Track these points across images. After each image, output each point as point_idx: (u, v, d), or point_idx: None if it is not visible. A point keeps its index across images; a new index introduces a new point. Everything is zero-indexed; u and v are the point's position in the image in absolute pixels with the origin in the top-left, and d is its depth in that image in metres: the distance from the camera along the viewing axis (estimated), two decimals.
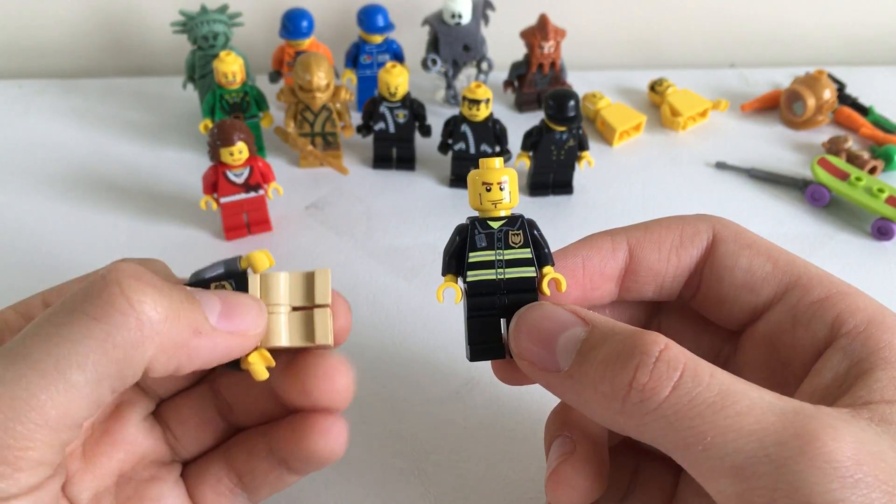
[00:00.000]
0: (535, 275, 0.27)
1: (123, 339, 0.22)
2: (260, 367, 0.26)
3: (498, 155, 0.52)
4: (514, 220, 0.27)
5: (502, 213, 0.27)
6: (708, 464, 0.20)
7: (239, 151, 0.45)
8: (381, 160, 0.55)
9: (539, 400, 0.37)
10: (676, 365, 0.21)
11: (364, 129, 0.54)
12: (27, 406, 0.20)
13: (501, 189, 0.27)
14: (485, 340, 0.27)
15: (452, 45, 0.58)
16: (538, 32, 0.57)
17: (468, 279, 0.27)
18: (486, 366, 0.39)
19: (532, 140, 0.51)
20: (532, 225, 0.27)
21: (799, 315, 0.25)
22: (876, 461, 0.20)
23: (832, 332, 0.24)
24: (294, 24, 0.56)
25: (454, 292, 0.28)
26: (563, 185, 0.53)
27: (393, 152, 0.55)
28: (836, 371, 0.23)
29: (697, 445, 0.20)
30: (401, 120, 0.53)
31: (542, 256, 0.27)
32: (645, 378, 0.21)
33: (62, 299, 0.22)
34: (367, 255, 0.47)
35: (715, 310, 0.28)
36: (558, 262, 0.27)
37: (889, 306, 0.45)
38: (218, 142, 0.45)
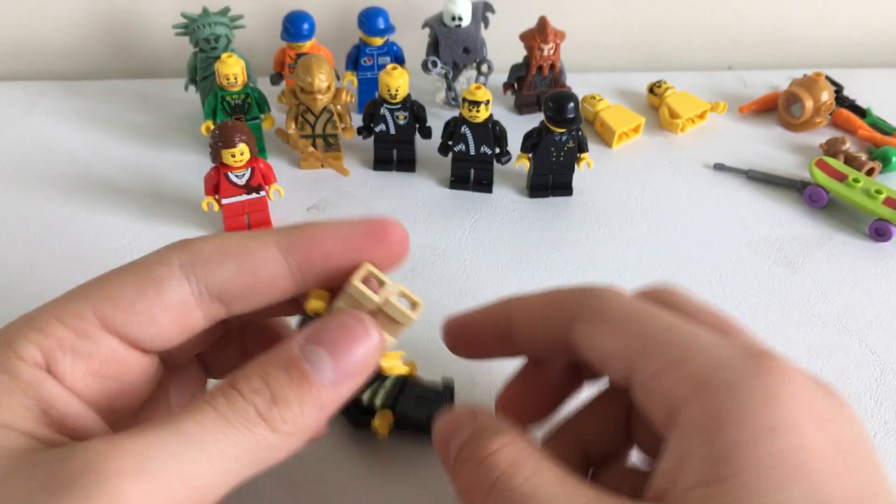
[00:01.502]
0: None
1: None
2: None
3: (498, 156, 0.53)
4: None
5: None
6: None
7: (240, 153, 0.45)
8: (382, 162, 0.55)
9: None
10: (496, 469, 0.24)
11: (365, 130, 0.54)
12: None
13: None
14: None
15: (452, 48, 0.58)
16: (538, 35, 0.58)
17: None
18: (486, 367, 0.40)
19: (532, 142, 0.51)
20: None
21: (646, 391, 0.24)
22: None
23: (671, 406, 0.23)
24: (295, 26, 0.57)
25: None
26: (562, 187, 0.53)
27: (393, 154, 0.55)
28: (672, 453, 0.23)
29: None
30: (401, 122, 0.53)
31: None
32: (475, 480, 0.24)
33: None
34: None
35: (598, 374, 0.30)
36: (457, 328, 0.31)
37: (887, 308, 0.45)
38: (219, 143, 0.45)
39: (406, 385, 0.36)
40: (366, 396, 0.35)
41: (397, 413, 0.35)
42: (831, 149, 0.56)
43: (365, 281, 0.26)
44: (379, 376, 0.35)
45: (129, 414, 0.26)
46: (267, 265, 0.25)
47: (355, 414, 0.36)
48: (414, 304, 0.27)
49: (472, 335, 0.31)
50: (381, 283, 0.26)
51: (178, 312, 0.24)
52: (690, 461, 0.22)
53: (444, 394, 0.36)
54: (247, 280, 0.25)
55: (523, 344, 0.29)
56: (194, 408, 0.22)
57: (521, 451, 0.24)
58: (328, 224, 0.26)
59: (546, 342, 0.28)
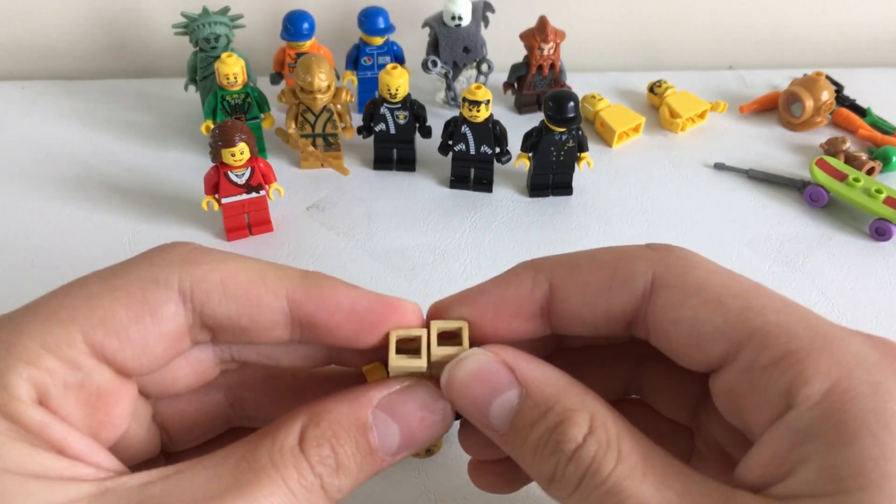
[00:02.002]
0: None
1: None
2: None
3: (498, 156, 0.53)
4: None
5: None
6: None
7: (240, 152, 0.45)
8: (382, 161, 0.55)
9: None
10: (584, 462, 0.21)
11: (365, 130, 0.54)
12: None
13: None
14: None
15: (452, 47, 0.58)
16: (538, 34, 0.58)
17: None
18: None
19: (532, 141, 0.51)
20: None
21: (753, 379, 0.21)
22: None
23: (787, 402, 0.21)
24: (295, 25, 0.57)
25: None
26: (562, 186, 0.53)
27: (393, 153, 0.55)
28: (777, 450, 0.20)
29: None
30: (401, 121, 0.53)
31: None
32: (560, 473, 0.22)
33: None
34: (367, 256, 0.48)
35: (673, 356, 0.24)
36: (473, 298, 0.25)
37: (888, 307, 0.45)
38: (219, 143, 0.45)
39: None
40: None
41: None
42: (832, 148, 0.56)
43: (400, 347, 0.24)
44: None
45: (112, 441, 0.24)
46: (271, 315, 0.23)
47: None
48: (455, 335, 0.25)
49: (490, 314, 0.25)
50: (414, 339, 0.24)
51: (172, 341, 0.23)
52: (805, 467, 0.19)
53: None
54: (244, 323, 0.23)
55: (567, 321, 0.25)
56: (264, 476, 0.20)
57: (605, 429, 0.22)
58: (344, 290, 0.24)
59: (603, 318, 0.24)
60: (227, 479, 0.20)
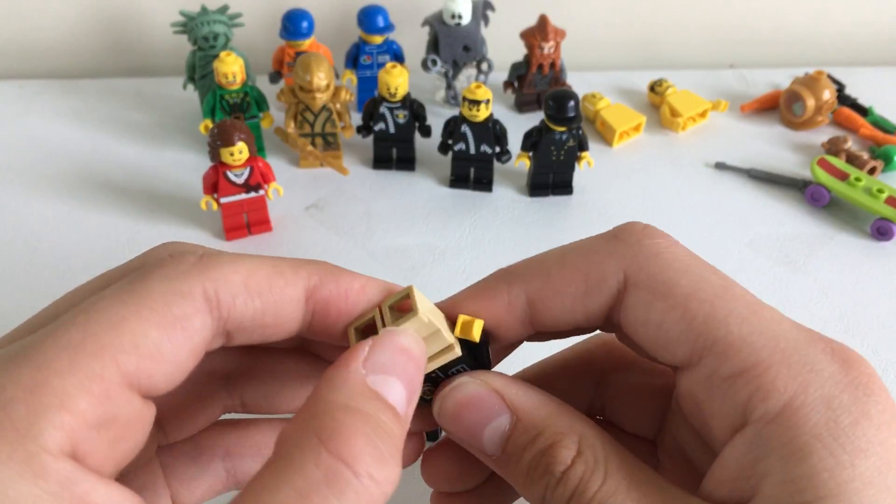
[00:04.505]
0: None
1: None
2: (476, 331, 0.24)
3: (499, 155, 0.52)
4: None
5: None
6: None
7: (239, 152, 0.45)
8: (381, 160, 0.55)
9: None
10: (572, 482, 0.22)
11: (364, 129, 0.54)
12: None
13: None
14: None
15: (452, 46, 0.58)
16: (538, 33, 0.57)
17: None
18: None
19: (532, 140, 0.51)
20: None
21: (713, 388, 0.22)
22: None
23: (744, 416, 0.21)
24: (294, 24, 0.56)
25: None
26: (562, 186, 0.53)
27: (393, 153, 0.55)
28: (739, 464, 0.21)
29: None
30: (401, 120, 0.53)
31: None
32: (550, 497, 0.22)
33: None
34: (367, 255, 0.47)
35: (641, 353, 0.25)
36: (452, 311, 0.25)
37: (889, 307, 0.45)
38: (218, 142, 0.45)
39: None
40: None
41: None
42: (833, 147, 0.56)
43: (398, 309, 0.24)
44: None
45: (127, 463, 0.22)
46: (292, 307, 0.23)
47: None
48: (408, 308, 0.24)
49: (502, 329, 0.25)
50: (371, 324, 0.24)
51: (199, 352, 0.22)
52: (767, 482, 0.20)
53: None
54: (267, 321, 0.23)
55: (549, 325, 0.25)
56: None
57: (592, 451, 0.22)
58: (354, 276, 0.24)
59: (583, 318, 0.25)
60: None
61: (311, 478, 0.18)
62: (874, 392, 0.21)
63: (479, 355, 0.25)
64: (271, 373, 0.28)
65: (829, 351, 0.22)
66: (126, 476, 0.24)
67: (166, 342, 0.20)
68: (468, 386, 0.24)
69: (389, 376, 0.21)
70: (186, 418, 0.27)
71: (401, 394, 0.21)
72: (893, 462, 0.20)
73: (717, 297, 0.22)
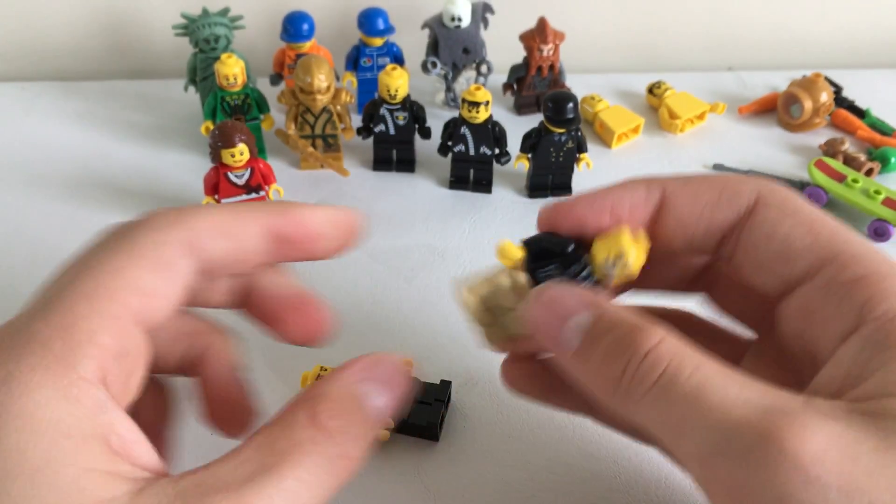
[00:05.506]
0: None
1: None
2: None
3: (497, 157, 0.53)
4: None
5: None
6: (680, 451, 0.22)
7: (240, 153, 0.45)
8: (382, 162, 0.55)
9: None
10: (661, 362, 0.22)
11: (364, 131, 0.54)
12: None
13: None
14: None
15: (452, 48, 0.58)
16: (537, 35, 0.58)
17: None
18: (486, 367, 0.40)
19: (531, 142, 0.51)
20: None
21: (830, 294, 0.24)
22: (844, 460, 0.20)
23: (860, 317, 0.23)
24: (295, 26, 0.57)
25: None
26: (561, 187, 0.53)
27: (393, 154, 0.55)
28: (854, 360, 0.23)
29: (672, 433, 0.22)
30: (401, 122, 0.53)
31: None
32: (632, 373, 0.23)
33: None
34: (367, 256, 0.48)
35: (751, 276, 0.27)
36: (587, 205, 0.27)
37: None
38: (219, 143, 0.45)
39: None
40: None
41: (396, 419, 0.35)
42: (830, 149, 0.56)
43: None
44: None
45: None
46: (253, 244, 0.26)
47: None
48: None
49: (607, 216, 0.27)
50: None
51: (186, 290, 0.25)
52: (879, 373, 0.22)
53: (442, 397, 0.36)
54: (234, 257, 0.26)
55: (671, 232, 0.27)
56: (288, 455, 0.22)
57: (680, 343, 0.23)
58: (314, 207, 0.27)
59: (704, 232, 0.27)
60: (254, 466, 0.22)
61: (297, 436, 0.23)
62: None
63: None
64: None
65: None
66: None
67: (160, 283, 0.24)
68: (559, 286, 0.26)
69: (380, 386, 0.25)
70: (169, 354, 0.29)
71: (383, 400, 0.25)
72: None
73: (838, 225, 0.25)
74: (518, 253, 0.28)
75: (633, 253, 0.26)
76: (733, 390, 0.21)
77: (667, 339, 0.23)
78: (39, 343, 0.21)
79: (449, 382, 0.37)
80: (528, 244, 0.28)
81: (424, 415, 0.36)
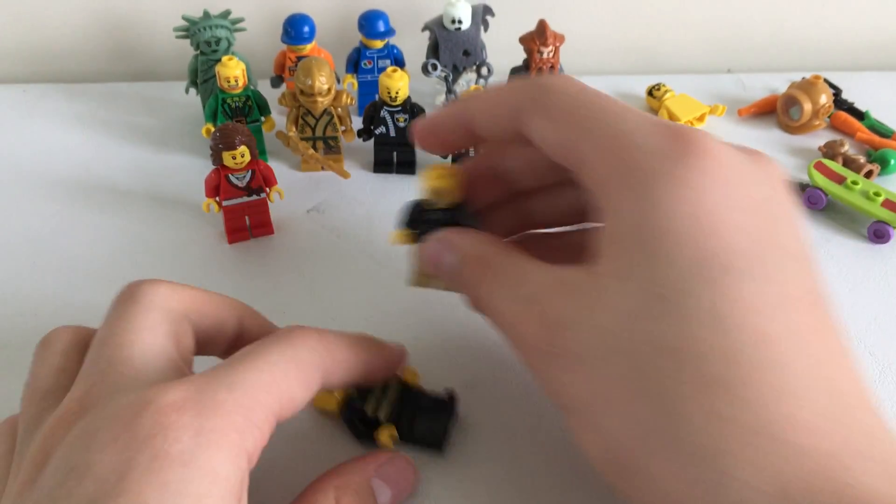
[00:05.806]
0: None
1: None
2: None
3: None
4: None
5: None
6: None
7: (241, 155, 0.45)
8: (382, 164, 0.55)
9: (539, 401, 0.38)
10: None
11: (365, 133, 0.54)
12: None
13: None
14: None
15: (452, 51, 0.59)
16: (537, 38, 0.58)
17: None
18: (487, 367, 0.40)
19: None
20: None
21: (584, 181, 0.29)
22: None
23: (602, 202, 0.28)
24: (296, 29, 0.57)
25: None
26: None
27: (394, 156, 0.55)
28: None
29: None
30: (401, 124, 0.53)
31: None
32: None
33: None
34: (367, 258, 0.48)
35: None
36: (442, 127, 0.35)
37: (886, 309, 0.45)
38: (220, 145, 0.45)
39: (408, 396, 0.36)
40: (369, 409, 0.35)
41: (401, 428, 0.35)
42: (830, 151, 0.56)
43: None
44: (381, 387, 0.35)
45: None
46: (351, 377, 0.32)
47: (359, 427, 0.35)
48: None
49: (439, 132, 0.35)
50: None
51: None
52: (620, 240, 0.26)
53: (448, 406, 0.36)
54: (341, 384, 0.32)
55: (486, 135, 0.33)
56: None
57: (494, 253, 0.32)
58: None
59: (504, 133, 0.32)
60: None
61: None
62: (703, 155, 0.26)
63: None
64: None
65: (664, 129, 0.27)
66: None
67: (300, 395, 0.28)
68: (428, 240, 0.35)
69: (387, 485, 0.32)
70: None
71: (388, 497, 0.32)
72: (712, 208, 0.25)
73: (587, 109, 0.29)
74: (405, 237, 0.36)
75: (436, 183, 0.34)
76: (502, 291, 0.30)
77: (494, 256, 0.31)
78: (225, 411, 0.24)
79: (454, 391, 0.37)
80: (408, 224, 0.36)
81: (430, 425, 0.35)
